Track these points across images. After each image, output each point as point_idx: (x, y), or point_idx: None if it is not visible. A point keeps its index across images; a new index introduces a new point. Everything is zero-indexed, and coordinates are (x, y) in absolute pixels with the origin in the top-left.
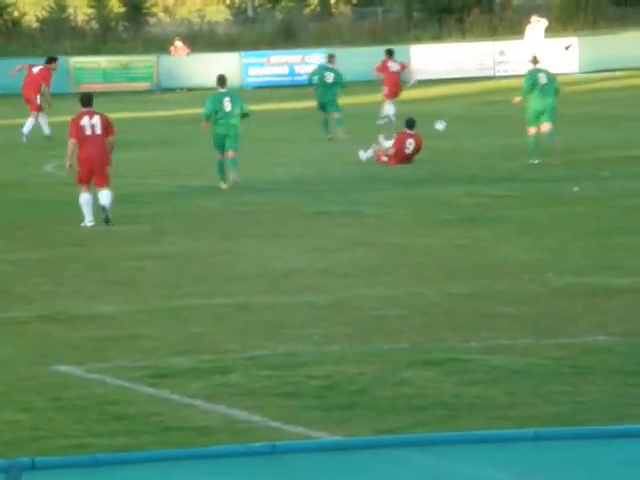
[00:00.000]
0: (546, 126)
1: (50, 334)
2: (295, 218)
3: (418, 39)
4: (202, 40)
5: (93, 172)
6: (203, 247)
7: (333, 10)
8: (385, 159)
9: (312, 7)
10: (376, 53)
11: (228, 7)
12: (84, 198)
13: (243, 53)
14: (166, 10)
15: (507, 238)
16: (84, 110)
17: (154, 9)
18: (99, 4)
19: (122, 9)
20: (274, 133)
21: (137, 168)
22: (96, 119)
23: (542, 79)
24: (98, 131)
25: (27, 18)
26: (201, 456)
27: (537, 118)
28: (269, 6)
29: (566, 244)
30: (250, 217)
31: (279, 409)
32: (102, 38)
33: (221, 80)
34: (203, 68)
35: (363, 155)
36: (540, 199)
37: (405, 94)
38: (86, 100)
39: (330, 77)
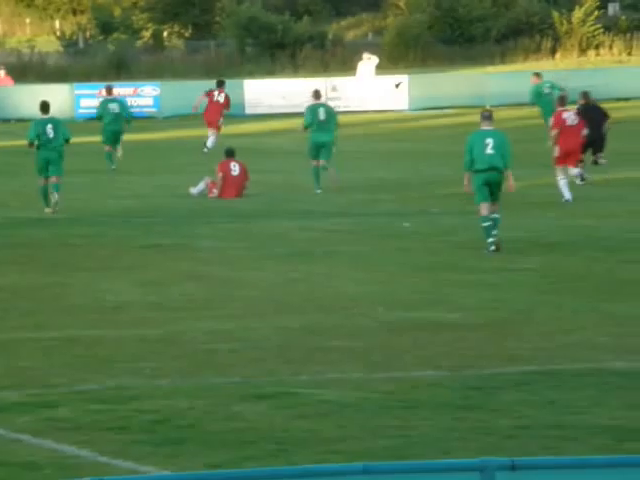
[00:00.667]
0: (322, 162)
1: None
2: (126, 251)
3: (251, 73)
4: (32, 71)
5: None
6: (32, 279)
7: (166, 43)
8: (216, 192)
9: (144, 40)
10: (208, 86)
11: (58, 38)
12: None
13: (75, 84)
14: None
15: (339, 272)
16: None
17: None
18: None
19: None
20: (105, 165)
21: None
22: None
23: (321, 114)
24: None
25: None
26: None
27: (317, 151)
28: (101, 38)
29: (396, 279)
30: (80, 249)
31: (108, 443)
32: None
33: (44, 106)
34: (33, 99)
35: (194, 190)
36: (372, 234)
37: (238, 128)
38: None
39: (115, 108)
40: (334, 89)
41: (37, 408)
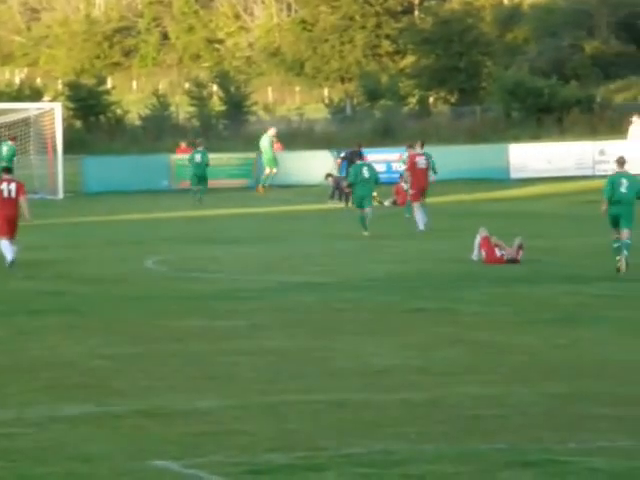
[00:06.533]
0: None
1: (146, 429)
2: (392, 315)
3: (516, 138)
4: (301, 138)
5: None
6: (299, 343)
7: (432, 109)
8: (499, 254)
9: (411, 106)
10: (474, 151)
11: (327, 106)
12: (4, 244)
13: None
14: (266, 108)
15: (607, 338)
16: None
17: (254, 107)
18: (200, 102)
19: (223, 107)
20: (370, 230)
21: (235, 264)
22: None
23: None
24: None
25: (130, 116)
26: None
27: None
28: (367, 105)
29: None
30: (347, 314)
31: None
32: (203, 135)
33: (358, 155)
34: (301, 165)
35: (474, 256)
36: None
37: (504, 193)
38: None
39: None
40: (602, 153)
41: (304, 471)
